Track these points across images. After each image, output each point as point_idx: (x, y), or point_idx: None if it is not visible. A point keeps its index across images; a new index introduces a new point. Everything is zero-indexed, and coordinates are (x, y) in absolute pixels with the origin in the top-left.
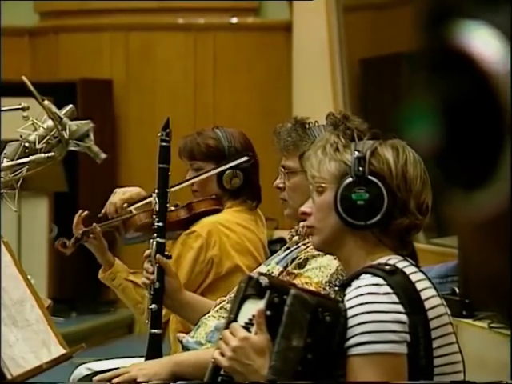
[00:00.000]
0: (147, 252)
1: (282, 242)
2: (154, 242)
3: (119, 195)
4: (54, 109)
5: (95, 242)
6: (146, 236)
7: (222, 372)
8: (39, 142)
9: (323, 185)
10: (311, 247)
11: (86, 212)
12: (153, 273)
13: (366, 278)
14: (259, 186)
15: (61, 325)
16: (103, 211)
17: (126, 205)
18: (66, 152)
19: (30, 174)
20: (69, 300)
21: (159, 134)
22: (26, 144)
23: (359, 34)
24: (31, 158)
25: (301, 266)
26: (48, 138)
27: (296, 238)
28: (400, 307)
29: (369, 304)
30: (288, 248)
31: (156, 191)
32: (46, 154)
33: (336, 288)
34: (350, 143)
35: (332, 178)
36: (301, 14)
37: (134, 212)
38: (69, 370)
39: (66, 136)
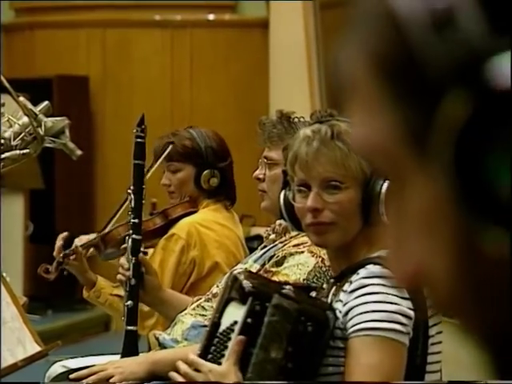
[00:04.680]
0: (124, 245)
1: (259, 239)
2: (130, 239)
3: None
4: (30, 105)
5: (77, 264)
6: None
7: None
8: (14, 139)
9: (344, 182)
10: (288, 245)
11: (65, 233)
12: (128, 269)
13: (376, 269)
14: (235, 186)
15: (36, 322)
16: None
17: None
18: (41, 149)
19: (5, 171)
20: (45, 297)
21: (134, 131)
22: (1, 141)
23: (336, 30)
24: (6, 154)
25: (278, 263)
26: (23, 134)
27: (273, 236)
28: (409, 303)
29: (381, 294)
30: (265, 246)
31: (131, 187)
32: (22, 151)
33: (332, 280)
34: None
35: (357, 174)
36: (278, 11)
37: (113, 227)
38: (44, 368)
39: (42, 133)
